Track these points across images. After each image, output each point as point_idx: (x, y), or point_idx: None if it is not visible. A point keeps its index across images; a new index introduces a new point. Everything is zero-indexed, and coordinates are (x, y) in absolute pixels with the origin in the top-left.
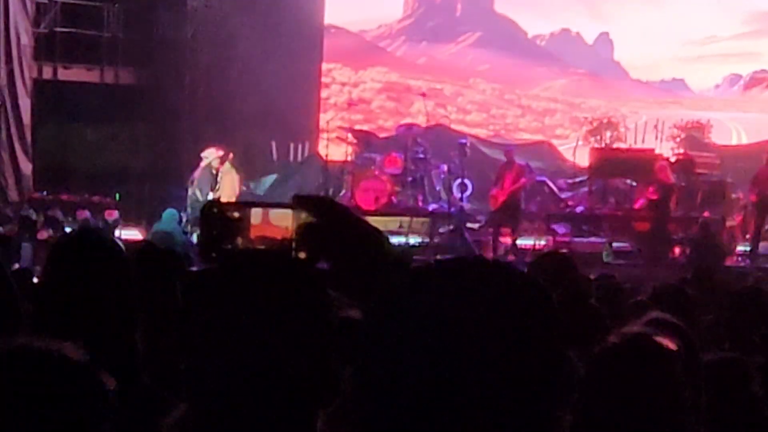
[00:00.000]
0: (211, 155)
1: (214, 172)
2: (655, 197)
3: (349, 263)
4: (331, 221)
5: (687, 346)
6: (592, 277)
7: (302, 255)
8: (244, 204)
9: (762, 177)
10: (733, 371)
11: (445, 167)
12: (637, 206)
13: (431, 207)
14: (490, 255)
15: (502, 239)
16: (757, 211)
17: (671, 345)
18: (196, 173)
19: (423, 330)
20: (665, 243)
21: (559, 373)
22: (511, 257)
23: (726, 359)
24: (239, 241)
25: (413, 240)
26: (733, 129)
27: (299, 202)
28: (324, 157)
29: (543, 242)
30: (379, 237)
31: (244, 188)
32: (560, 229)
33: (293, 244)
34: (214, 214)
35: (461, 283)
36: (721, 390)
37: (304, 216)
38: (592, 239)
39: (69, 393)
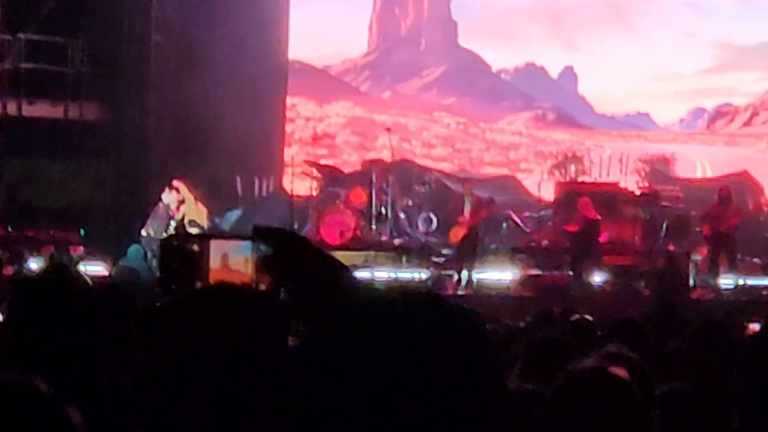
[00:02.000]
0: (170, 198)
1: (170, 213)
2: (574, 230)
3: (308, 293)
4: (290, 252)
5: (640, 378)
6: (557, 310)
7: (262, 287)
8: (203, 237)
9: (713, 213)
10: (709, 407)
11: (409, 201)
12: (602, 239)
13: (396, 241)
14: (452, 290)
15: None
16: (710, 245)
17: (623, 374)
18: (153, 212)
19: (359, 358)
20: (587, 275)
21: (493, 402)
22: (468, 291)
23: (697, 394)
24: (198, 286)
25: (378, 274)
26: (698, 162)
27: (258, 234)
28: (289, 192)
29: (509, 277)
30: (338, 267)
31: (209, 223)
32: (526, 263)
33: (253, 276)
34: (173, 248)
35: (400, 315)
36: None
37: (263, 248)
38: (558, 273)
39: (36, 426)
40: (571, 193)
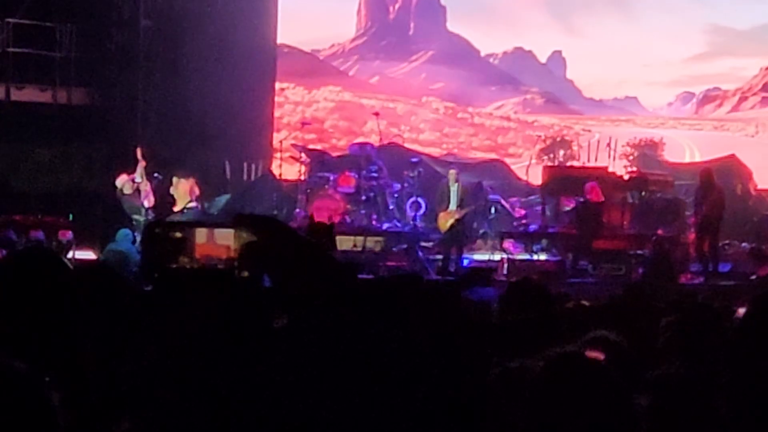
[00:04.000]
0: (122, 182)
1: (129, 192)
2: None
3: (291, 280)
4: (273, 239)
5: (624, 362)
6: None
7: (245, 274)
8: (187, 224)
9: (698, 198)
10: (693, 390)
11: (398, 186)
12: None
13: (385, 226)
14: (439, 274)
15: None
16: (697, 230)
17: (600, 357)
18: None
19: (355, 344)
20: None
21: (483, 385)
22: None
23: (685, 377)
24: (183, 260)
25: (367, 259)
26: (687, 146)
27: (241, 222)
28: (278, 177)
29: (497, 259)
30: (321, 252)
31: (198, 207)
32: (514, 247)
33: (236, 263)
34: (156, 235)
35: (395, 300)
36: (681, 409)
37: (245, 235)
38: (547, 258)
39: (13, 405)
40: (559, 178)
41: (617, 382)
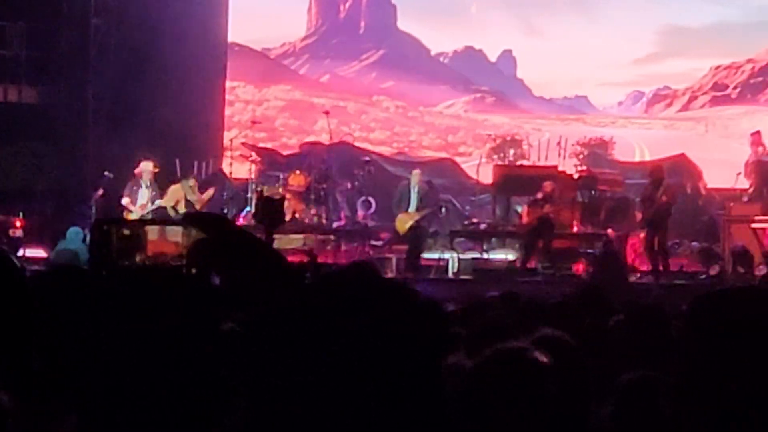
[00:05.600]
0: (147, 167)
1: (146, 183)
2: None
3: (239, 278)
4: (222, 238)
5: (573, 362)
6: (497, 293)
7: (193, 271)
8: (137, 222)
9: (646, 194)
10: (642, 390)
11: (348, 185)
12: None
13: (335, 224)
14: (391, 273)
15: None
16: (646, 229)
17: (544, 359)
18: (129, 185)
19: (305, 341)
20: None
21: (431, 380)
22: (409, 274)
23: (635, 378)
24: (139, 257)
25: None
26: (637, 146)
27: (190, 220)
28: (228, 175)
29: (446, 257)
30: (271, 251)
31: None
32: (464, 246)
33: (184, 261)
34: (104, 232)
35: (344, 296)
36: (630, 409)
37: (194, 233)
38: (497, 256)
39: None
40: (509, 177)
41: (559, 385)
